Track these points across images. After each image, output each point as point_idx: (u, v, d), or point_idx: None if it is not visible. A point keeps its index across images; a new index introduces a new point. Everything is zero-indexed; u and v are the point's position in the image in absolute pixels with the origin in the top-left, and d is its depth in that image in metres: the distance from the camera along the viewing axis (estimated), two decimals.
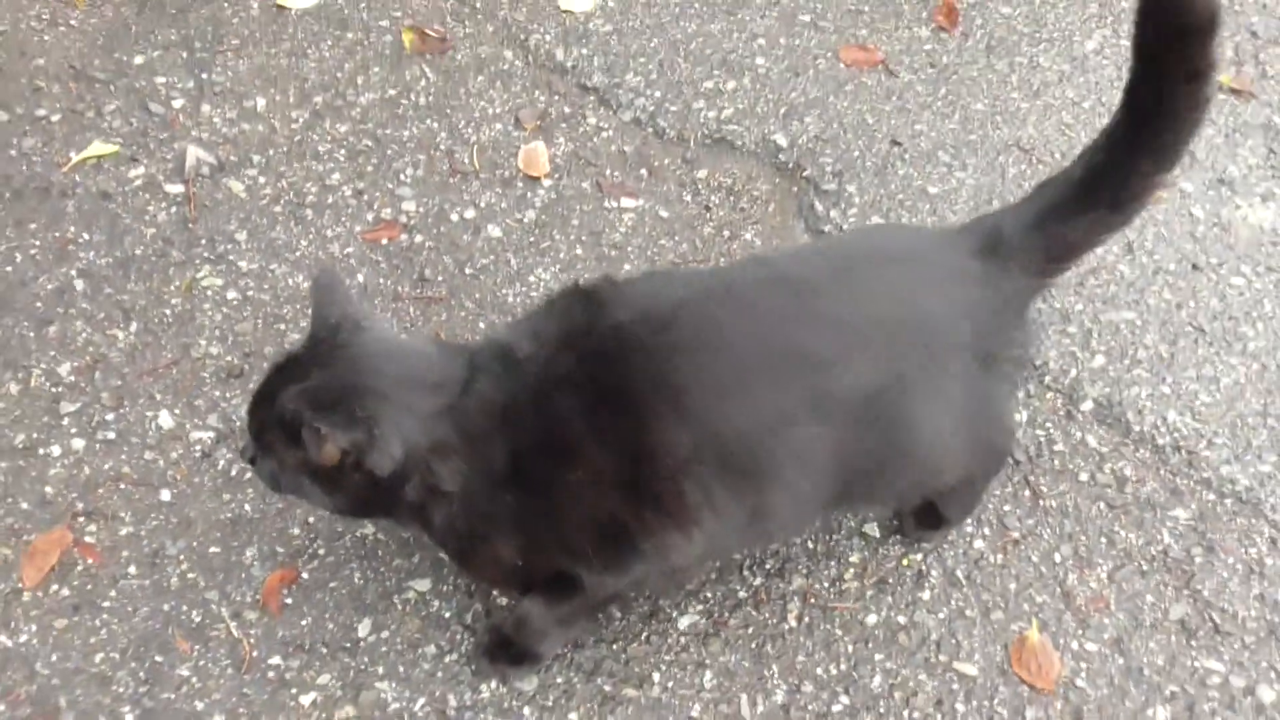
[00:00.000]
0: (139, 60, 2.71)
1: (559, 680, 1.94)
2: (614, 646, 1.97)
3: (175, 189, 2.49)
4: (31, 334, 2.25)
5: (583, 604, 1.91)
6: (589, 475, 1.71)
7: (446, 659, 1.95)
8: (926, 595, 2.05)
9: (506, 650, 1.95)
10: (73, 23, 2.79)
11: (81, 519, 2.05)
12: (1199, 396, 2.30)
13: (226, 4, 2.85)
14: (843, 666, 1.97)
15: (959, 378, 1.76)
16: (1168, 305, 2.44)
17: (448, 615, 1.99)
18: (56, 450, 2.12)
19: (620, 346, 1.73)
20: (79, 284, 2.33)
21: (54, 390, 2.19)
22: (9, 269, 2.34)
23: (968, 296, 1.74)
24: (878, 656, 1.99)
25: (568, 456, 1.72)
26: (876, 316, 1.74)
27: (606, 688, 1.93)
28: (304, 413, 1.59)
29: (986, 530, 2.12)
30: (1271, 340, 2.39)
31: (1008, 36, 2.97)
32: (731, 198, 2.57)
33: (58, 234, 2.40)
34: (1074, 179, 1.75)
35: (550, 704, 1.91)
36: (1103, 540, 2.12)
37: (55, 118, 2.60)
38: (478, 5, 2.92)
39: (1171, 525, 2.15)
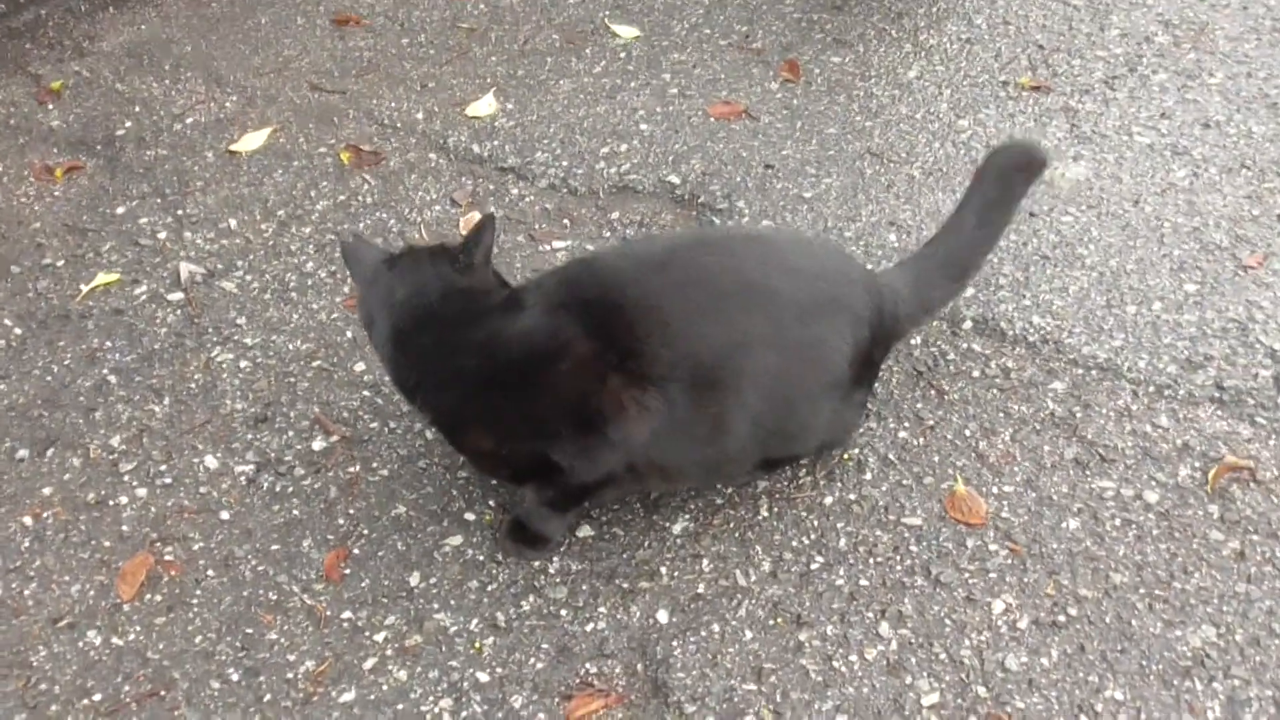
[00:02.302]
0: (121, 210, 3.21)
1: (584, 588, 2.37)
2: (623, 555, 2.42)
3: (176, 296, 2.97)
4: (81, 420, 2.69)
5: (567, 489, 2.33)
6: (575, 365, 2.17)
7: (489, 588, 2.37)
8: (868, 476, 2.54)
9: (522, 533, 2.41)
10: (56, 193, 3.29)
11: (158, 544, 2.46)
12: (1054, 303, 2.87)
13: (185, 158, 3.35)
14: (812, 537, 2.44)
15: (853, 363, 2.35)
16: (1015, 244, 3.02)
17: (481, 558, 2.42)
18: (124, 499, 2.54)
19: (617, 280, 2.25)
20: (112, 379, 2.78)
21: (111, 458, 2.62)
22: (49, 378, 2.79)
23: (868, 307, 2.38)
24: (839, 525, 2.46)
25: (558, 352, 2.19)
26: (827, 279, 2.36)
27: (624, 585, 2.37)
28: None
29: (906, 423, 2.63)
30: (1102, 255, 2.98)
31: (843, 78, 3.60)
32: (643, 228, 3.12)
33: (84, 346, 2.86)
34: (936, 260, 2.53)
35: (581, 605, 2.34)
36: (1000, 414, 2.64)
37: (60, 263, 3.09)
38: (398, 125, 3.48)
39: (1052, 394, 2.67)
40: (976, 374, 2.64)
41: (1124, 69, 3.54)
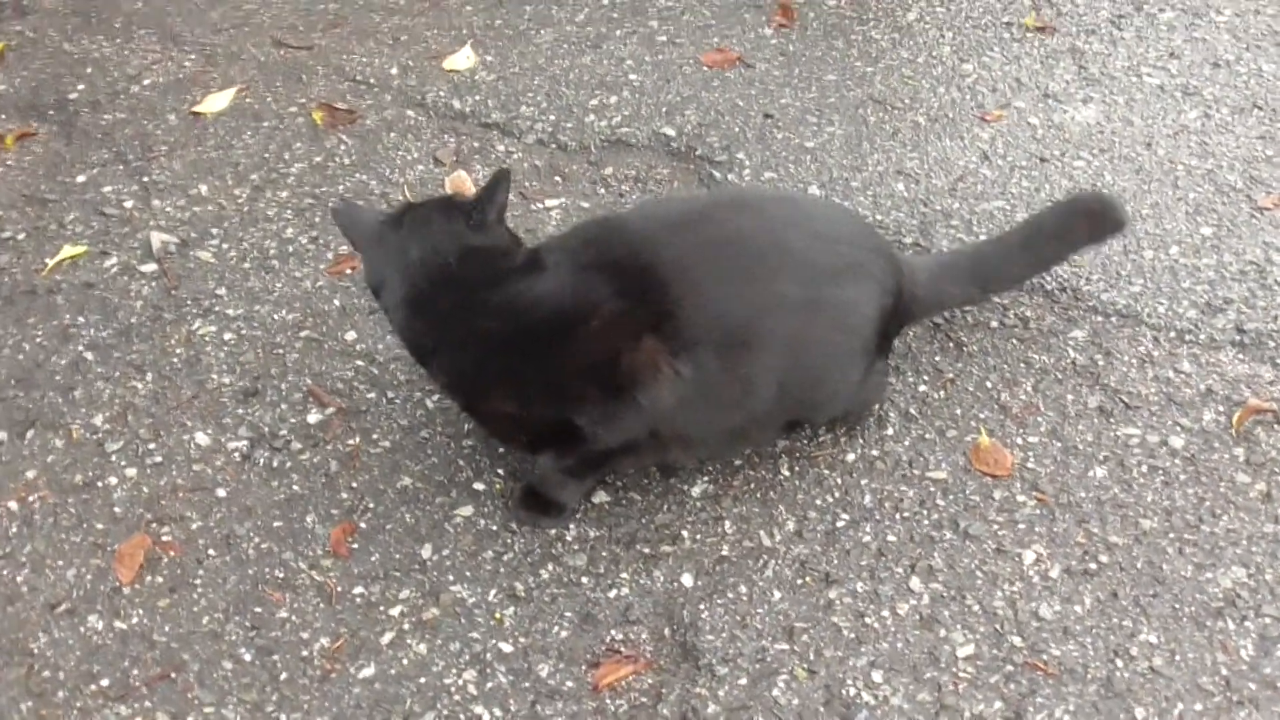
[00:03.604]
0: (81, 179, 3.31)
1: (604, 554, 2.50)
2: (642, 520, 2.55)
3: (149, 268, 3.08)
4: (60, 400, 2.80)
5: (586, 456, 2.45)
6: (606, 326, 2.29)
7: (505, 557, 2.49)
8: (890, 431, 2.70)
9: (536, 500, 2.52)
10: (9, 162, 3.38)
11: (154, 524, 2.56)
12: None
13: (146, 121, 3.45)
14: (836, 495, 2.59)
15: (878, 331, 2.51)
16: (1028, 190, 3.19)
17: (495, 528, 2.54)
18: (114, 480, 2.65)
19: (646, 241, 2.39)
20: (89, 355, 2.89)
21: (95, 438, 2.72)
22: (20, 357, 2.89)
23: (891, 277, 2.54)
24: (863, 482, 2.61)
25: (586, 312, 2.31)
26: (855, 244, 2.53)
27: (645, 550, 2.50)
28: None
29: (925, 377, 2.79)
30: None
31: (839, 22, 3.75)
32: (639, 184, 3.27)
33: (56, 322, 2.96)
34: (965, 259, 2.72)
35: (602, 571, 2.47)
36: (1021, 365, 2.80)
37: (21, 236, 3.18)
38: (371, 82, 3.60)
39: (1073, 343, 2.83)
40: (995, 324, 2.80)
41: (1130, 7, 3.71)
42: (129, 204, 3.15)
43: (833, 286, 2.38)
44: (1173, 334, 2.76)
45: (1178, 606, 2.34)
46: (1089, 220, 2.76)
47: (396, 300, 2.39)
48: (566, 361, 2.33)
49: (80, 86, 3.52)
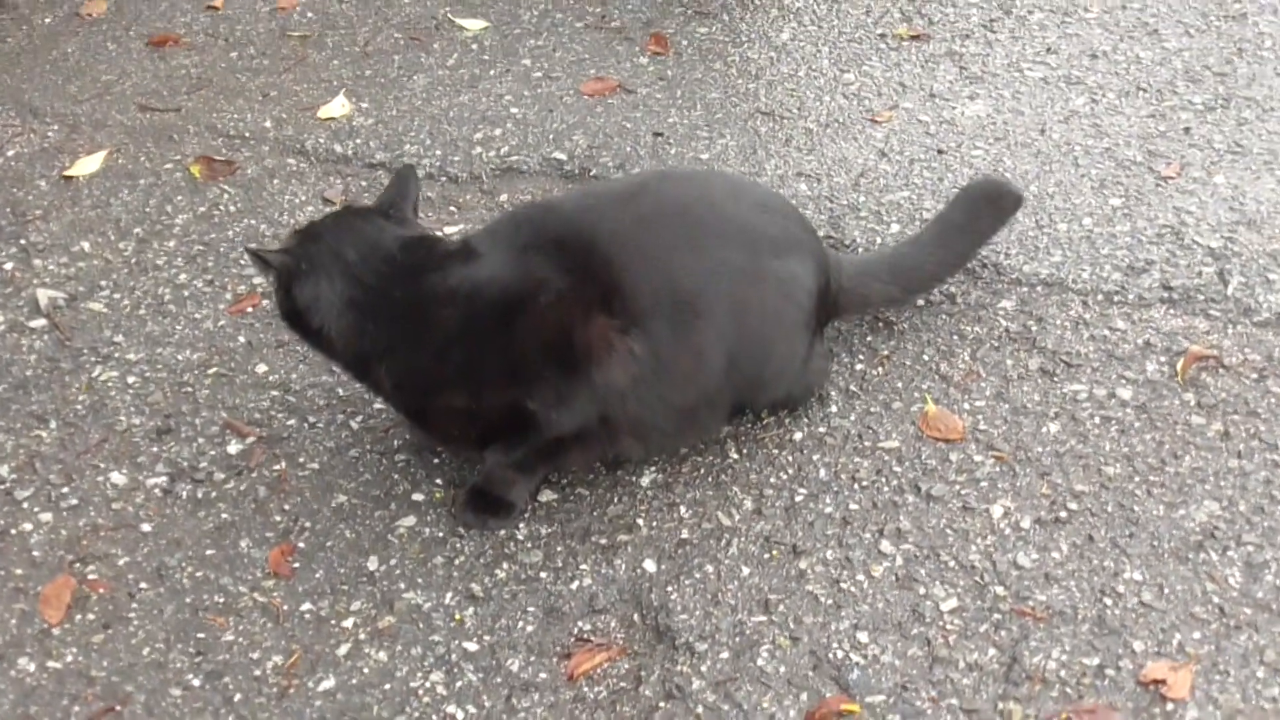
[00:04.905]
0: None
1: (559, 549, 2.45)
2: (594, 514, 2.51)
3: (39, 323, 2.98)
4: None
5: (536, 447, 2.42)
6: (554, 302, 2.28)
7: (456, 561, 2.43)
8: (834, 409, 2.70)
9: (483, 501, 2.48)
10: None
11: (78, 564, 2.45)
12: None
13: (15, 189, 3.36)
14: (790, 471, 2.58)
15: (817, 308, 2.55)
16: (930, 180, 3.25)
17: (441, 534, 2.48)
18: (28, 526, 2.54)
19: (585, 217, 2.40)
20: None
21: (3, 488, 2.59)
22: None
23: (822, 258, 2.60)
24: (815, 457, 2.60)
25: (533, 291, 2.30)
26: (792, 219, 2.58)
27: (602, 541, 2.46)
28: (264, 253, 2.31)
29: (860, 356, 2.80)
30: (1020, 181, 3.18)
31: (714, 47, 3.81)
32: None
33: None
34: (884, 260, 2.77)
35: (560, 565, 2.42)
36: (955, 337, 2.83)
37: None
38: (246, 135, 3.56)
39: (1003, 313, 2.87)
40: (921, 303, 2.84)
41: (999, 12, 3.84)
42: (9, 266, 3.08)
43: (774, 257, 2.39)
44: (1100, 296, 2.82)
45: (1156, 544, 2.38)
46: (989, 204, 2.84)
47: (339, 307, 2.35)
48: (518, 342, 2.32)
49: None
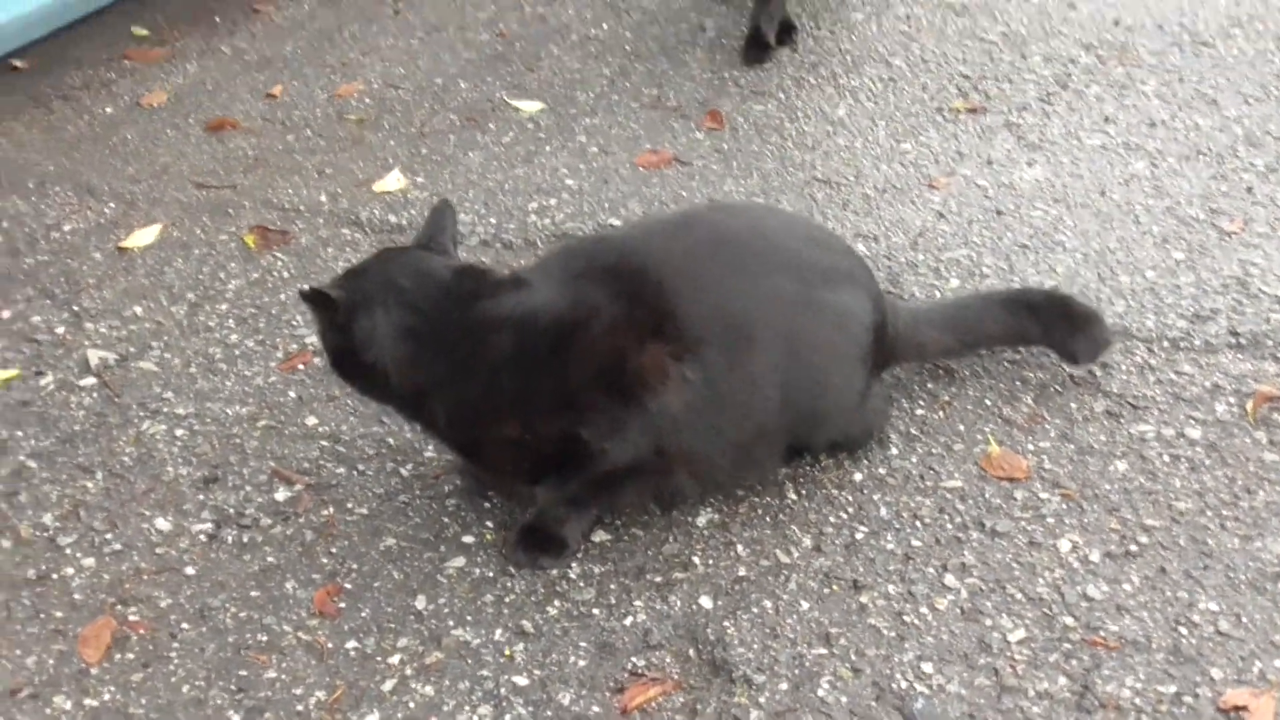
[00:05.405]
0: (7, 314, 3.21)
1: (613, 586, 2.39)
2: (649, 553, 2.46)
3: (89, 382, 2.98)
4: (4, 505, 2.64)
5: (590, 481, 2.38)
6: (607, 328, 2.26)
7: (506, 599, 2.37)
8: (894, 451, 2.64)
9: (534, 538, 2.43)
10: None
11: (119, 606, 2.41)
12: (1045, 283, 3.03)
13: (70, 260, 3.39)
14: (850, 511, 2.52)
15: (873, 344, 2.51)
16: (990, 238, 3.22)
17: (491, 574, 2.43)
18: (70, 570, 2.50)
19: (636, 246, 2.39)
20: (31, 463, 2.76)
21: (46, 535, 2.58)
22: None
23: (879, 297, 2.56)
24: (875, 497, 2.55)
25: (586, 318, 2.27)
26: (845, 255, 2.56)
27: (657, 579, 2.40)
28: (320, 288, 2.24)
29: (921, 401, 2.75)
30: (1081, 239, 3.17)
31: (769, 122, 3.82)
32: None
33: None
34: (944, 310, 2.76)
35: (614, 602, 2.36)
36: (1017, 382, 2.78)
37: None
38: (301, 209, 3.58)
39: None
40: (983, 351, 2.77)
41: (1056, 86, 3.82)
42: (60, 329, 3.07)
43: (827, 289, 2.37)
44: (1166, 343, 2.77)
45: (1232, 575, 2.31)
46: (1069, 319, 2.78)
47: (396, 337, 2.32)
48: (571, 369, 2.28)
49: None
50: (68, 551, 2.50)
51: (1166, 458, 2.49)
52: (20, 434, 2.78)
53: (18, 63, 4.45)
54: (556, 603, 2.35)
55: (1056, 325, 2.72)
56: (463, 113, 3.94)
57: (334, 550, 2.44)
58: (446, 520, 2.52)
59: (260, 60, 4.41)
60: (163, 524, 2.54)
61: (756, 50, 3.99)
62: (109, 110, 4.17)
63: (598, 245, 2.41)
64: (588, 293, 2.31)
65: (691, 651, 2.25)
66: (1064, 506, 2.42)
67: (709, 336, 2.30)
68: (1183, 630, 2.21)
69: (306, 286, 2.24)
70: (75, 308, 3.16)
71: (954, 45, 4.06)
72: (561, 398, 2.29)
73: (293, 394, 2.83)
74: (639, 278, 2.32)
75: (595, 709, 2.17)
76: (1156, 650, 2.19)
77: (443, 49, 4.36)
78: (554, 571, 2.42)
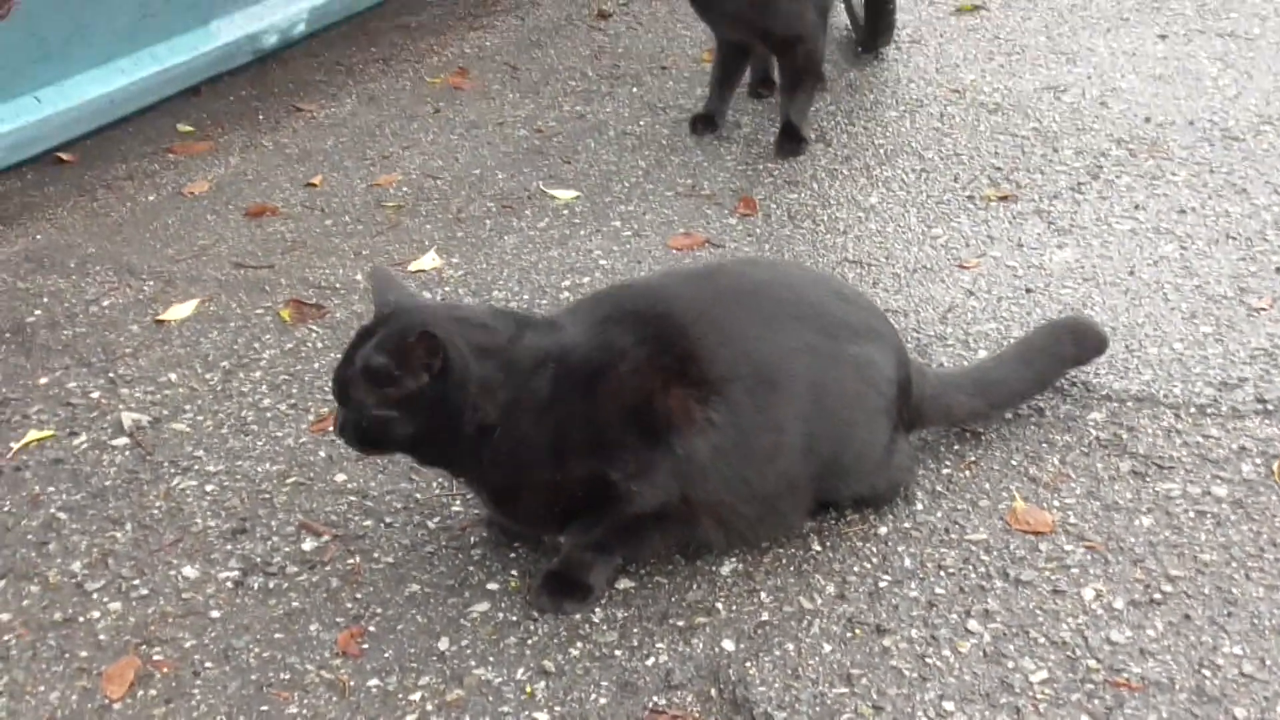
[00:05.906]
0: (44, 380, 3.30)
1: (635, 630, 2.42)
2: (672, 599, 2.48)
3: (121, 442, 3.05)
4: (33, 554, 2.70)
5: (616, 526, 2.42)
6: (633, 369, 2.32)
7: (529, 641, 2.40)
8: (919, 506, 2.67)
9: (559, 583, 2.46)
10: None
11: (143, 647, 2.44)
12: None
13: (108, 332, 3.48)
14: (874, 561, 2.55)
15: (897, 398, 2.57)
16: (1019, 313, 3.27)
17: (515, 618, 2.46)
18: (96, 614, 2.55)
19: (663, 293, 2.45)
20: (62, 515, 2.82)
21: (74, 580, 2.63)
22: None
23: (903, 355, 2.63)
24: (900, 548, 2.57)
25: (613, 360, 2.34)
26: (870, 312, 2.62)
27: (679, 624, 2.43)
28: (391, 345, 2.28)
29: (947, 461, 2.79)
30: (1110, 314, 3.22)
31: (802, 209, 3.90)
32: None
33: (24, 494, 2.89)
34: (969, 375, 2.83)
35: (636, 644, 2.39)
36: (1043, 444, 2.82)
37: None
38: (338, 286, 3.66)
39: (1093, 423, 2.86)
40: (1008, 416, 2.82)
41: (1087, 177, 3.89)
42: (95, 394, 3.15)
43: (852, 342, 2.42)
44: (1193, 409, 2.80)
45: (1257, 622, 2.32)
46: (1072, 335, 2.94)
47: (481, 371, 2.35)
48: (600, 410, 2.34)
49: (37, 312, 3.56)
50: (95, 596, 2.54)
51: (1192, 514, 2.51)
52: (52, 489, 2.84)
53: (64, 155, 4.57)
54: (579, 644, 2.36)
55: (1067, 349, 2.92)
56: (499, 200, 4.03)
57: (359, 595, 2.47)
58: (472, 569, 2.54)
59: (301, 153, 4.50)
60: (190, 571, 2.57)
61: (790, 144, 4.06)
62: (151, 198, 4.27)
63: (624, 291, 2.47)
64: (614, 335, 2.37)
65: (713, 691, 2.26)
66: (1088, 558, 2.43)
67: (732, 380, 2.34)
68: (1206, 672, 2.22)
69: (421, 329, 2.27)
70: (111, 375, 3.22)
71: (987, 140, 4.13)
72: (591, 439, 2.34)
73: (323, 453, 2.87)
74: (663, 322, 2.38)
75: None
76: (1180, 690, 2.20)
77: (481, 144, 4.44)
78: (577, 616, 2.42)
